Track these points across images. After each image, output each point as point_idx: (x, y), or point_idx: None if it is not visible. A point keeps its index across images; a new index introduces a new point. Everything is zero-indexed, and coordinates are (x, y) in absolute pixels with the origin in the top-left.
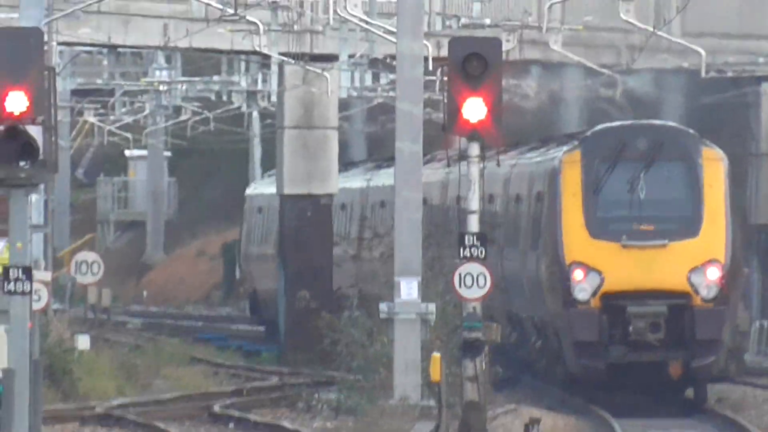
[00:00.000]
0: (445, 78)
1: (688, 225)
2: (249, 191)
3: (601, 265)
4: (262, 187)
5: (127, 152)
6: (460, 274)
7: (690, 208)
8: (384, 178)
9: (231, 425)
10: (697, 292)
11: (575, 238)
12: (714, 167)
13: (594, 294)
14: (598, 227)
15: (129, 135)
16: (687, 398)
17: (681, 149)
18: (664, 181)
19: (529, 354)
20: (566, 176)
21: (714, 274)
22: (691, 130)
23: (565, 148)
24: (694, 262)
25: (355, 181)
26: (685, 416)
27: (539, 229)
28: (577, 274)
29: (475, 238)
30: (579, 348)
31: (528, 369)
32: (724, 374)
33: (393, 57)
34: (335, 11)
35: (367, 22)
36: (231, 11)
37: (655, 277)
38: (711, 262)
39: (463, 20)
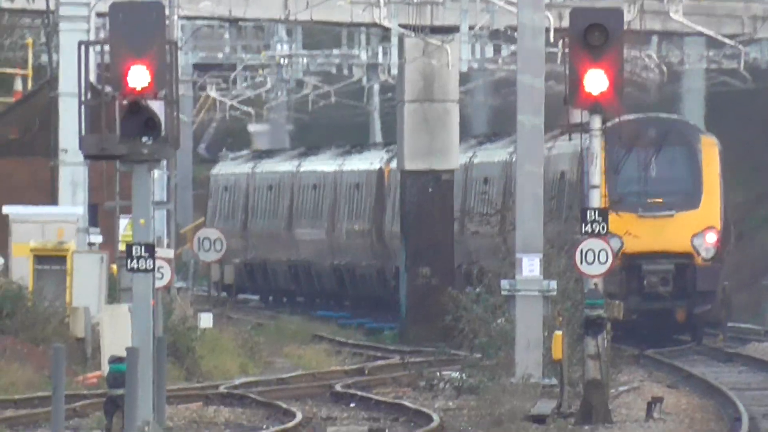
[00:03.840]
0: (567, 49)
1: (690, 198)
2: (214, 171)
3: (621, 231)
4: (227, 168)
5: (250, 127)
6: (581, 250)
7: (691, 185)
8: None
9: (352, 404)
10: (698, 252)
11: None
12: (710, 151)
13: (616, 255)
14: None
15: (250, 109)
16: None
17: (683, 137)
18: (670, 163)
19: None
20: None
21: (711, 238)
22: (692, 121)
23: None
24: (696, 229)
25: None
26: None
27: (572, 201)
28: None
29: (596, 213)
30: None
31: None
32: (717, 319)
33: (514, 28)
34: None
35: None
36: None
37: (664, 241)
38: (709, 228)
39: None
